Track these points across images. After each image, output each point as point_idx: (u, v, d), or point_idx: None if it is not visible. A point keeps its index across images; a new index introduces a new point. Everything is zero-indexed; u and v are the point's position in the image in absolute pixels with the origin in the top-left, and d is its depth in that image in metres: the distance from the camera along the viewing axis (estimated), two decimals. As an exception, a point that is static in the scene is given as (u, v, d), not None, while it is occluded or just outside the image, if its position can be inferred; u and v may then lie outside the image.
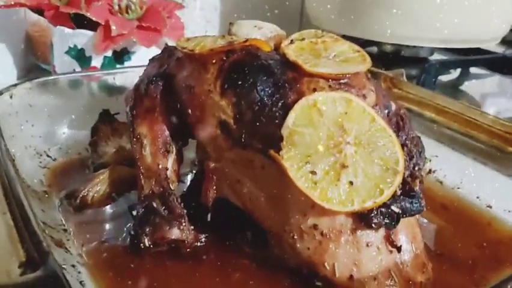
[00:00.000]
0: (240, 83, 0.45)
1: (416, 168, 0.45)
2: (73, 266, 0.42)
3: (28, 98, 0.62)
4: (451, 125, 0.63)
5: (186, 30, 0.84)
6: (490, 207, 0.57)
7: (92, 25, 0.76)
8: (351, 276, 0.42)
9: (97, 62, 0.78)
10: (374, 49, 1.12)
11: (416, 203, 0.42)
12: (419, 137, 0.47)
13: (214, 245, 0.48)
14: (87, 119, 0.64)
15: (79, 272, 0.41)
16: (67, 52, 0.78)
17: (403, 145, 0.45)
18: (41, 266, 0.31)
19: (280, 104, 0.43)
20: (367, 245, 0.42)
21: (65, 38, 0.78)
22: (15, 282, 0.29)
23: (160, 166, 0.50)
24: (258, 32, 0.54)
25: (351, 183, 0.41)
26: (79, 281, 0.40)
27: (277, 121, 0.43)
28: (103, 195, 0.54)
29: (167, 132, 0.51)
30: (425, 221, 0.54)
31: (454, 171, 0.60)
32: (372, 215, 0.41)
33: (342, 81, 0.45)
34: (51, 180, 0.57)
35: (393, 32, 0.96)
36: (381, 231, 0.42)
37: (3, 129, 0.54)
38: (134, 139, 0.51)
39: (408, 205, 0.42)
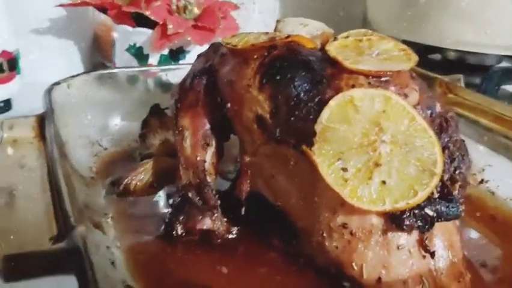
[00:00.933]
0: (278, 77, 0.45)
1: (457, 172, 0.43)
2: (108, 247, 0.43)
3: (85, 90, 0.65)
4: (507, 133, 0.59)
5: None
6: (545, 222, 0.53)
7: (151, 24, 0.79)
8: (379, 279, 0.40)
9: (153, 60, 0.81)
10: (438, 56, 1.08)
11: (453, 207, 0.40)
12: (463, 141, 0.45)
13: (245, 238, 0.48)
14: (140, 113, 0.66)
15: (112, 253, 0.43)
16: (127, 49, 0.82)
17: (445, 147, 0.43)
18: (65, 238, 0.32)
19: (316, 99, 0.43)
20: (398, 248, 0.40)
21: (126, 36, 0.81)
22: (40, 250, 0.31)
23: (199, 158, 0.51)
24: (304, 29, 0.53)
25: (383, 182, 0.39)
26: (111, 262, 0.41)
27: (312, 117, 0.42)
28: (145, 184, 0.56)
29: (208, 126, 0.52)
30: (472, 231, 0.52)
31: (508, 182, 0.57)
32: (405, 216, 0.39)
33: (383, 78, 0.44)
34: (100, 168, 0.59)
35: (456, 38, 0.92)
36: (414, 235, 0.40)
37: (59, 117, 0.57)
38: (177, 131, 0.53)
39: (444, 209, 0.40)
